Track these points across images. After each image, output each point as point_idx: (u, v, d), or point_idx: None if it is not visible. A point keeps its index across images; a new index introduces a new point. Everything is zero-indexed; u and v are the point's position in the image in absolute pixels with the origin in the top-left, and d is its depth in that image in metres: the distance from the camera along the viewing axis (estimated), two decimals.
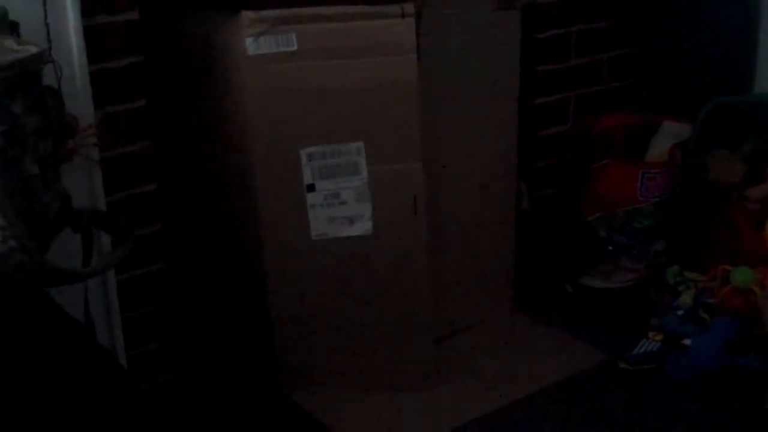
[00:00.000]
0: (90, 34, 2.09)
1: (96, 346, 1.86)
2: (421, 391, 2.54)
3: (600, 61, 3.12)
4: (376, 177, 2.36)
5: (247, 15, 2.24)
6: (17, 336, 1.70)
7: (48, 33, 1.95)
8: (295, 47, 2.26)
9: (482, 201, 2.76)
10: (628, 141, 3.09)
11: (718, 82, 3.05)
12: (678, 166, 3.01)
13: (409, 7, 2.27)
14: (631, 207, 3.01)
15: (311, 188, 2.36)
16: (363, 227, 2.40)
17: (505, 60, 2.68)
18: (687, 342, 2.61)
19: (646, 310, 2.82)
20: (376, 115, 2.33)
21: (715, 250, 2.88)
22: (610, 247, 3.04)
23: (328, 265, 2.43)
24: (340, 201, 2.37)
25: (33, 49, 1.67)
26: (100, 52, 2.13)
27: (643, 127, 3.09)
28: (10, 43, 1.68)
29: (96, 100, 2.12)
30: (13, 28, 1.77)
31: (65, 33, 2.03)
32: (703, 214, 2.98)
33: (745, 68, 3.02)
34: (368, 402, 2.50)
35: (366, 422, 2.45)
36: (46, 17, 1.96)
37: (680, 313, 2.72)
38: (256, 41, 2.25)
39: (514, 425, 2.42)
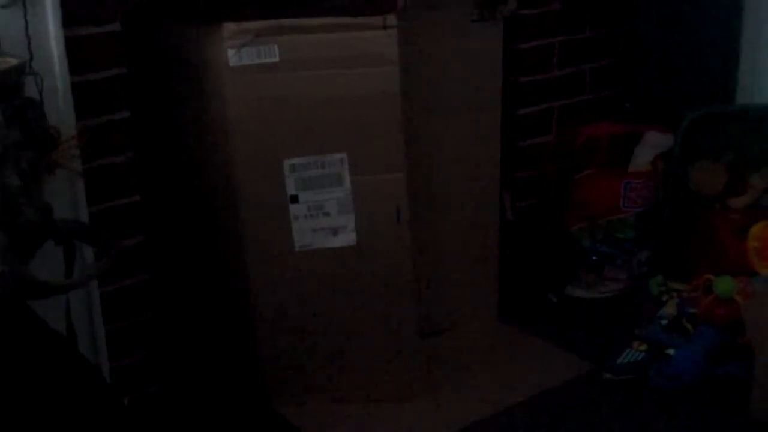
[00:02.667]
0: (72, 45, 2.08)
1: (79, 359, 1.85)
2: (407, 402, 2.53)
3: (583, 71, 3.13)
4: (359, 188, 2.36)
5: (229, 26, 2.24)
6: None
7: (29, 44, 1.95)
8: (278, 58, 2.26)
9: (465, 211, 2.76)
10: (611, 151, 3.10)
11: (700, 92, 3.07)
12: (661, 176, 3.02)
13: (392, 19, 2.27)
14: (614, 217, 3.01)
15: (294, 199, 2.36)
16: (347, 238, 2.40)
17: (487, 71, 2.69)
18: (670, 352, 2.62)
19: (629, 320, 2.83)
20: (359, 126, 2.33)
21: (698, 260, 2.89)
22: (594, 257, 3.04)
23: (313, 276, 2.43)
24: (324, 212, 2.37)
25: (13, 61, 1.67)
26: (82, 63, 2.13)
27: (626, 138, 3.10)
28: None
29: (78, 111, 2.12)
30: None
31: (47, 44, 2.02)
32: (686, 224, 2.99)
33: (727, 79, 3.03)
34: (354, 412, 2.50)
35: None
36: (27, 29, 1.96)
37: (664, 322, 2.73)
38: (238, 53, 2.25)
39: None
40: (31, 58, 1.93)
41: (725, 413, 2.46)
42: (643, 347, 2.66)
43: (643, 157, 3.06)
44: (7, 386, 1.67)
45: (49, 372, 1.73)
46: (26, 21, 1.96)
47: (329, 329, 2.49)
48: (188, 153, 2.52)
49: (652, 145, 3.06)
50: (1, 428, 1.66)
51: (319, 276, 2.43)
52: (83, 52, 2.13)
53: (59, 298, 1.87)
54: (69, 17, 2.07)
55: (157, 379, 2.48)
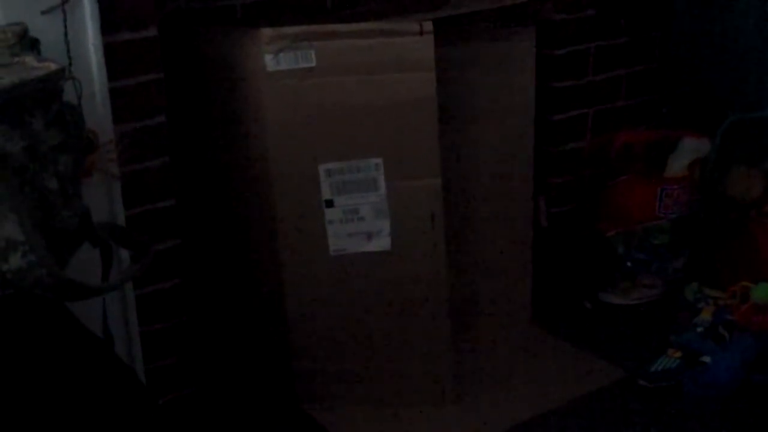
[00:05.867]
0: (110, 50, 2.10)
1: (115, 361, 1.87)
2: (439, 407, 2.53)
3: (618, 77, 3.11)
4: (394, 193, 2.36)
5: (267, 32, 2.25)
6: (37, 350, 1.71)
7: (68, 50, 1.97)
8: (314, 63, 2.27)
9: (499, 217, 2.75)
10: (646, 157, 3.08)
11: (737, 97, 3.05)
12: (697, 182, 3.00)
13: (428, 25, 2.27)
14: (649, 223, 3.00)
15: (330, 204, 2.36)
16: (381, 243, 2.40)
17: (520, 76, 2.68)
18: (706, 359, 2.60)
19: (665, 327, 2.81)
20: (395, 131, 2.33)
21: (735, 267, 2.87)
22: (629, 264, 3.03)
23: (347, 280, 2.43)
24: (359, 217, 2.38)
25: (53, 66, 1.69)
26: (119, 68, 2.14)
27: (661, 143, 3.09)
28: (30, 60, 1.70)
29: (115, 116, 2.14)
30: (33, 46, 1.79)
31: (85, 50, 2.04)
32: (722, 231, 2.96)
33: (764, 84, 3.01)
34: (385, 417, 2.50)
35: None
36: (66, 34, 1.97)
37: (699, 330, 2.71)
38: (275, 57, 2.26)
39: None
40: (70, 64, 1.95)
41: (762, 422, 2.44)
42: (678, 354, 2.64)
43: (678, 162, 3.04)
44: (44, 387, 1.69)
45: (85, 374, 1.75)
46: (65, 27, 1.98)
47: (362, 333, 2.49)
48: (224, 157, 2.53)
49: (688, 150, 3.04)
50: (38, 428, 1.68)
51: (353, 280, 2.43)
52: (121, 58, 2.15)
53: (96, 300, 1.88)
54: (107, 23, 2.09)
55: (191, 381, 2.49)
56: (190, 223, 2.55)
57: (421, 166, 2.36)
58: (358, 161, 2.33)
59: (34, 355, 1.69)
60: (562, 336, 2.86)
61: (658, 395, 2.56)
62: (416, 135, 2.34)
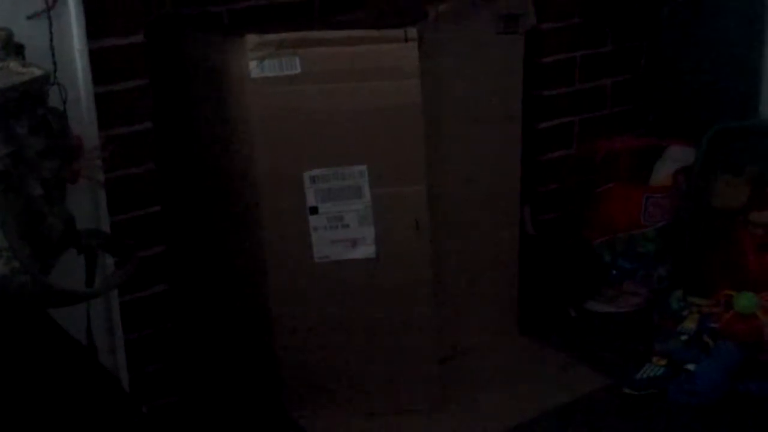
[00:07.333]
0: (95, 56, 2.10)
1: (98, 368, 1.86)
2: (424, 414, 2.53)
3: (604, 85, 3.12)
4: (379, 200, 2.36)
5: (252, 38, 2.25)
6: (19, 357, 1.70)
7: (53, 55, 1.97)
8: (299, 70, 2.27)
9: (485, 225, 2.76)
10: (632, 165, 3.09)
11: (722, 106, 3.06)
12: (682, 191, 3.01)
13: (413, 32, 2.28)
14: (634, 231, 3.01)
15: (314, 211, 2.36)
16: (366, 250, 2.40)
17: (508, 84, 2.69)
18: (691, 367, 2.60)
19: (649, 335, 2.81)
20: (380, 138, 2.34)
21: (719, 275, 2.87)
22: (614, 272, 3.03)
23: (332, 287, 2.43)
24: (343, 224, 2.38)
25: (38, 72, 1.69)
26: (105, 74, 2.14)
27: (647, 152, 3.10)
28: (15, 65, 1.70)
29: (101, 122, 2.13)
30: (18, 51, 1.79)
31: (71, 56, 2.04)
32: (707, 239, 2.97)
33: (749, 92, 3.02)
34: (371, 424, 2.50)
35: None
36: (51, 40, 1.98)
37: (684, 338, 2.71)
38: (260, 64, 2.26)
39: None
40: (55, 69, 1.95)
41: (745, 430, 2.44)
42: (663, 362, 2.65)
43: (664, 171, 3.05)
44: (26, 395, 1.68)
45: (68, 381, 1.74)
46: (51, 32, 1.98)
47: (347, 340, 2.49)
48: (209, 164, 2.53)
49: (674, 159, 3.05)
50: None
51: (338, 287, 2.43)
52: (106, 63, 2.15)
53: (79, 307, 1.88)
54: (94, 29, 2.09)
55: (177, 388, 2.48)
56: (176, 229, 2.55)
57: (407, 173, 2.37)
58: (343, 168, 2.34)
59: (15, 363, 1.68)
60: (547, 343, 2.86)
61: (643, 403, 2.56)
62: (402, 142, 2.34)
